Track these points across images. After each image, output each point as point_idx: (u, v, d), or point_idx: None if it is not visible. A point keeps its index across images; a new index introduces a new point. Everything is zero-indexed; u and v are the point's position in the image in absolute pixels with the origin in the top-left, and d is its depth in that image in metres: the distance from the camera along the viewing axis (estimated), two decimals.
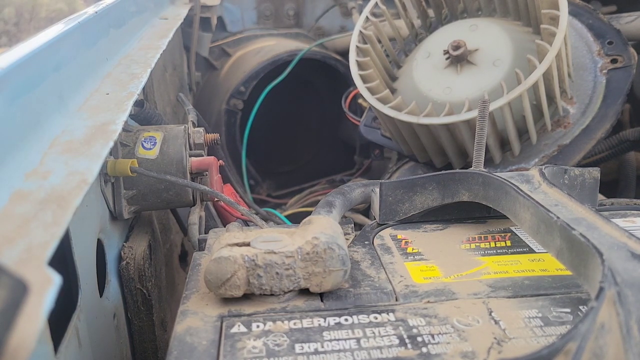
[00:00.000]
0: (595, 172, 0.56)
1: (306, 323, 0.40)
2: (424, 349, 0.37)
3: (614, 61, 0.85)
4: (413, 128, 0.85)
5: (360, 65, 0.92)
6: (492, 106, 0.76)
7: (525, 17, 0.87)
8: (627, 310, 0.32)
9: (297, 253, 0.42)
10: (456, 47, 0.84)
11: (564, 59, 0.80)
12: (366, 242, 0.53)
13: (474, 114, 0.76)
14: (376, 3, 0.98)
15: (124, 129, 0.63)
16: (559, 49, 0.75)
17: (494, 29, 0.87)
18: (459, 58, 0.85)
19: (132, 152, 0.63)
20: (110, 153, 0.60)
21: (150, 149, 0.63)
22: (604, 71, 0.86)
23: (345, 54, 1.48)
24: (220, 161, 0.70)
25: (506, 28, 0.86)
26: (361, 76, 0.90)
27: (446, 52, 0.86)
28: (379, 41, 0.96)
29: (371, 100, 0.87)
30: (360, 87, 0.89)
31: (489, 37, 0.86)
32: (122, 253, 0.61)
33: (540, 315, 0.41)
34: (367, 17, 0.96)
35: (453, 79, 0.86)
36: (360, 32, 0.94)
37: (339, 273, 0.42)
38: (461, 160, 0.88)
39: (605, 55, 0.87)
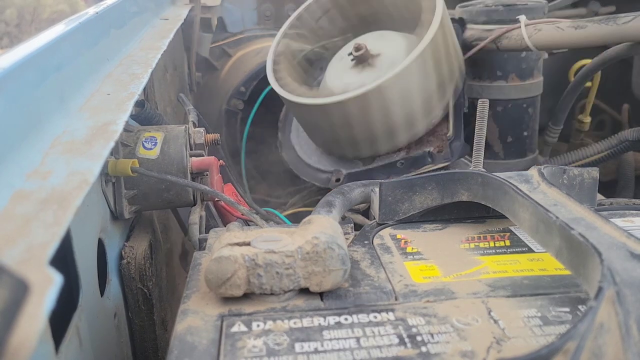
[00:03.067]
0: (594, 172, 0.57)
1: (306, 322, 0.40)
2: (424, 348, 0.37)
3: None
4: (316, 119, 0.96)
5: (276, 72, 1.06)
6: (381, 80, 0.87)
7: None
8: (626, 310, 0.33)
9: (297, 252, 0.42)
10: (357, 49, 0.96)
11: (443, 49, 0.92)
12: (366, 242, 0.53)
13: (347, 95, 0.89)
14: (295, 18, 1.13)
15: (124, 129, 0.63)
16: (437, 32, 0.89)
17: (395, 38, 0.99)
18: (360, 59, 0.97)
19: (132, 152, 0.63)
20: (111, 153, 0.60)
21: (151, 149, 0.63)
22: None
23: None
24: (221, 161, 0.70)
25: (407, 37, 0.97)
26: (276, 78, 1.04)
27: (350, 53, 0.98)
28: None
29: (279, 91, 1.00)
30: (273, 83, 1.02)
31: (391, 45, 0.98)
32: (123, 252, 0.61)
33: (539, 314, 0.41)
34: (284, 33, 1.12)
35: (354, 78, 0.97)
36: (277, 43, 1.10)
37: (338, 272, 0.43)
38: (355, 149, 0.98)
39: None
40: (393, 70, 0.87)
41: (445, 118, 1.00)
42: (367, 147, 0.98)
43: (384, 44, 1.00)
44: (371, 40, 1.02)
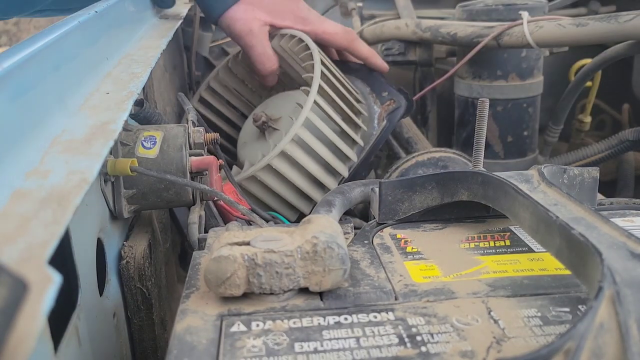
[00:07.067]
0: (594, 172, 0.57)
1: (306, 322, 0.40)
2: (423, 348, 0.37)
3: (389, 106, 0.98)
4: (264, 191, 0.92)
5: None
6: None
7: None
8: (626, 310, 0.33)
9: (296, 252, 0.42)
10: (256, 120, 0.94)
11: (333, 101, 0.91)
12: (365, 242, 0.53)
13: (254, 168, 0.86)
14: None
15: (124, 128, 0.63)
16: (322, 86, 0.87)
17: (292, 97, 0.97)
18: (262, 127, 0.94)
19: (132, 151, 0.63)
20: (111, 152, 0.60)
21: (150, 148, 0.63)
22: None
23: None
24: (220, 160, 0.70)
25: (301, 94, 0.93)
26: None
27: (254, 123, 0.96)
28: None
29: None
30: None
31: (291, 105, 0.95)
32: (122, 252, 0.61)
33: (539, 314, 0.41)
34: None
35: (263, 145, 0.94)
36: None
37: (338, 272, 0.42)
38: (294, 211, 0.93)
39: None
40: (289, 133, 0.85)
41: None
42: (306, 199, 0.94)
43: (286, 104, 0.98)
44: (272, 104, 1.02)
